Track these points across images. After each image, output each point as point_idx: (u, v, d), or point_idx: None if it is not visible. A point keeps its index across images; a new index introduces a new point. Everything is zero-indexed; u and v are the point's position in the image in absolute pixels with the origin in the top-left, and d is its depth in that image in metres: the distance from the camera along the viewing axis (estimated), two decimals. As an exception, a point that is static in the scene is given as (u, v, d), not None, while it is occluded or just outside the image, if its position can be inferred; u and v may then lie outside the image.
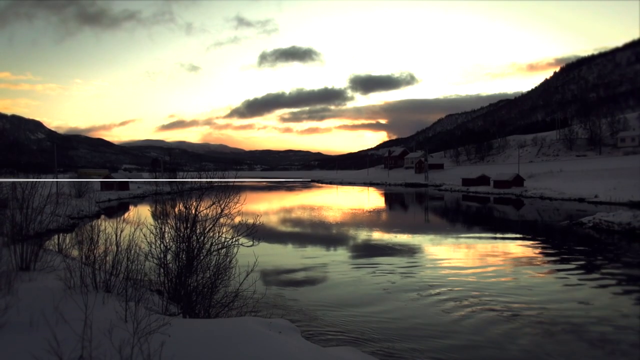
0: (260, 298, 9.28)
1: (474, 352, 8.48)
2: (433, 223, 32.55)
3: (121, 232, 8.03)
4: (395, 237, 24.47)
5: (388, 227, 29.44)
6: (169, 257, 7.65)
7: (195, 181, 9.01)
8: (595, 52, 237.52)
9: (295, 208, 43.92)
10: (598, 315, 10.54)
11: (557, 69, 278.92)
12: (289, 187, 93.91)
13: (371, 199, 59.79)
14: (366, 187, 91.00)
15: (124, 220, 8.92)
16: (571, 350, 8.56)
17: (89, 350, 3.69)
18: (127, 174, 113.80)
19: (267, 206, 46.49)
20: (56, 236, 12.01)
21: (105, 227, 8.56)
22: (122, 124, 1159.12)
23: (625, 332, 9.56)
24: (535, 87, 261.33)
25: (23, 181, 10.15)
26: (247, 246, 8.15)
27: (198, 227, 7.82)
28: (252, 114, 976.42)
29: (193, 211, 7.87)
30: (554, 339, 9.08)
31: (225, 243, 8.13)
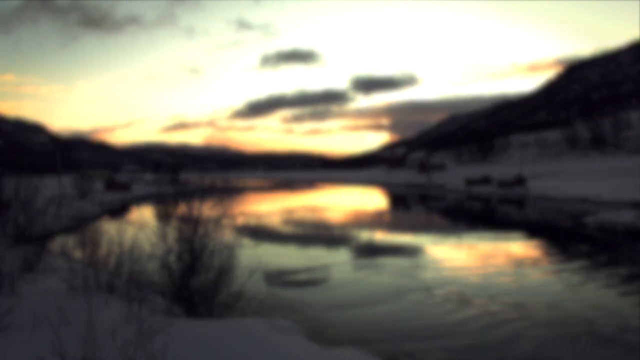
0: (263, 299, 9.28)
1: (479, 352, 8.45)
2: (436, 223, 32.49)
3: (124, 233, 8.05)
4: (398, 237, 24.42)
5: (391, 228, 29.41)
6: (171, 258, 7.66)
7: (198, 182, 9.04)
8: (597, 52, 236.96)
9: (297, 208, 43.91)
10: (602, 316, 10.49)
11: (558, 69, 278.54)
12: (292, 188, 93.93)
13: (374, 199, 59.73)
14: (369, 188, 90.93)
15: (126, 221, 8.95)
16: (575, 351, 8.52)
17: (92, 351, 3.68)
18: (130, 175, 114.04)
19: (270, 207, 46.49)
20: (59, 237, 12.04)
21: (108, 228, 8.59)
22: (125, 125, 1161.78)
23: (630, 332, 9.51)
24: (538, 87, 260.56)
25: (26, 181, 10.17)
26: (250, 247, 8.17)
27: (201, 228, 7.83)
28: (254, 116, 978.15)
29: (196, 212, 7.88)
30: (558, 340, 9.04)
31: (228, 244, 8.14)
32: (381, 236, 24.97)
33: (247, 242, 21.71)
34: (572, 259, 17.75)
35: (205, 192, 8.32)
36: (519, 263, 16.87)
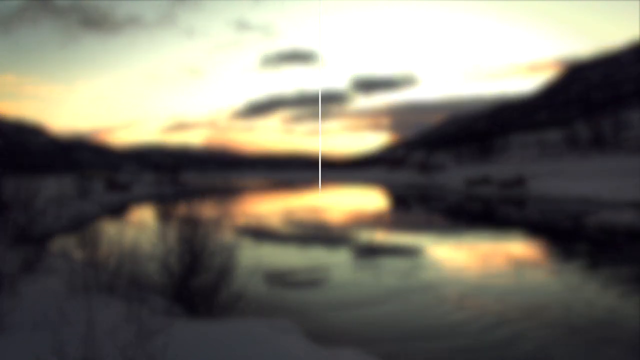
0: (263, 299, 9.28)
1: (480, 352, 8.45)
2: (436, 224, 32.47)
3: (124, 233, 8.06)
4: (399, 238, 24.41)
5: (391, 228, 29.40)
6: (171, 258, 7.67)
7: (198, 183, 9.07)
8: (597, 52, 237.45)
9: (298, 209, 43.91)
10: (603, 317, 10.49)
11: (558, 69, 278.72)
12: (292, 188, 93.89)
13: (374, 200, 59.73)
14: (369, 188, 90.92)
15: (127, 221, 8.97)
16: (576, 351, 8.52)
17: (92, 351, 3.68)
18: (130, 175, 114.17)
19: (270, 207, 46.48)
20: (59, 238, 12.05)
21: (108, 228, 8.60)
22: (125, 126, 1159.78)
23: (631, 332, 9.50)
24: (538, 88, 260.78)
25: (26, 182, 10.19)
26: (251, 247, 8.18)
27: (201, 228, 7.84)
28: (254, 116, 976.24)
29: (196, 212, 7.89)
30: (559, 340, 9.04)
31: (229, 244, 8.14)
32: (382, 237, 24.97)
33: (247, 242, 21.74)
34: (573, 259, 17.74)
35: (205, 193, 8.34)
36: (519, 263, 16.86)
